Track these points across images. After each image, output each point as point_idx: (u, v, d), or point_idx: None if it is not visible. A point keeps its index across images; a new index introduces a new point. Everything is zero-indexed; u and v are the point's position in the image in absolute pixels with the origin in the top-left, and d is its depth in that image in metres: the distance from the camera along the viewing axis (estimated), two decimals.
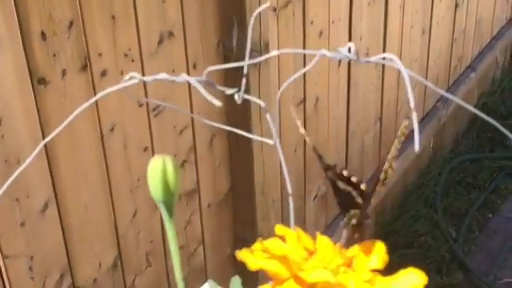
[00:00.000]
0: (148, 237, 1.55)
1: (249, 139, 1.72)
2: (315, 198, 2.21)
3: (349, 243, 0.48)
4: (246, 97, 0.48)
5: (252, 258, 0.43)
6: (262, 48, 1.64)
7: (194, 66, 1.56)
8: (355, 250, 0.45)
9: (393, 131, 2.62)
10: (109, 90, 0.47)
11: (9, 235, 1.20)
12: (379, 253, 0.45)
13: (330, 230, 2.31)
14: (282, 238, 0.46)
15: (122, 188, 1.44)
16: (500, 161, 3.14)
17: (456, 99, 0.48)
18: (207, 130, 1.66)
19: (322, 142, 2.17)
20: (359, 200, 0.48)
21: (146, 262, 1.55)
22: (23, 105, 1.17)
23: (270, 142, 0.50)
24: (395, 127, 2.63)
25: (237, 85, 0.49)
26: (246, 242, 1.85)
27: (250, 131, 1.71)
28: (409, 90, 0.39)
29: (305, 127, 2.05)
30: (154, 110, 1.47)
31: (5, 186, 0.53)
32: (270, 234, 1.63)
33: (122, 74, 1.36)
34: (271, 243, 0.45)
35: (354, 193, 0.49)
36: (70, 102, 1.24)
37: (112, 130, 1.37)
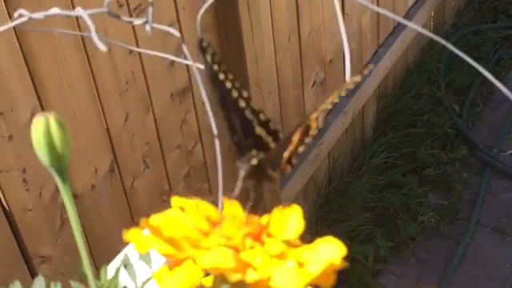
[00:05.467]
0: (143, 139, 1.54)
1: (239, 32, 1.69)
2: (313, 85, 2.19)
3: (244, 189, 0.43)
4: (156, 26, 0.45)
5: (140, 240, 0.36)
6: None
7: None
8: (268, 217, 0.39)
9: (391, 10, 2.56)
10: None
11: None
12: (294, 218, 0.38)
13: (331, 116, 2.30)
14: (182, 209, 0.39)
15: (110, 93, 1.42)
16: (503, 31, 3.08)
17: None
18: (195, 25, 1.62)
19: (317, 28, 2.12)
20: (272, 145, 0.44)
21: (144, 164, 1.56)
22: None
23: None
24: (393, 5, 2.57)
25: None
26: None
27: (239, 25, 1.67)
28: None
29: (298, 14, 2.00)
30: (135, 9, 1.43)
31: None
32: None
33: None
34: (170, 218, 0.38)
35: (269, 138, 0.45)
36: None
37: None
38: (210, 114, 0.47)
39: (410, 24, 0.39)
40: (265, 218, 0.38)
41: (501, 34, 3.06)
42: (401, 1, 2.61)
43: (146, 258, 0.45)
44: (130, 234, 0.36)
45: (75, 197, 1.38)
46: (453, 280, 2.19)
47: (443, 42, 0.39)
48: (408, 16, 2.68)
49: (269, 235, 0.37)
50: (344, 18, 2.25)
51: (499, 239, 2.29)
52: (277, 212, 0.38)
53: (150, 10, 0.43)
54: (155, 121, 1.56)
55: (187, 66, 1.64)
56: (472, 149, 2.58)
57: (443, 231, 2.33)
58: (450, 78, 2.83)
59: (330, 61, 2.24)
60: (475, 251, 2.26)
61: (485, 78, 2.96)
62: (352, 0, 2.26)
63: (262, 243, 0.37)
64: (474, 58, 2.66)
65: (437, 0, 2.86)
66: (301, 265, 0.35)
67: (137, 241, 0.36)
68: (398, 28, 2.61)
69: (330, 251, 0.36)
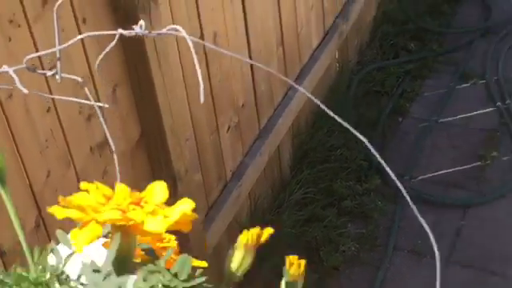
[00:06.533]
0: (66, 193, 1.59)
1: (151, 85, 1.77)
2: (228, 129, 2.28)
3: None
4: (65, 76, 0.53)
5: (58, 210, 0.53)
6: None
7: (84, 21, 1.58)
8: (144, 191, 0.56)
9: (296, 53, 2.69)
10: None
11: None
12: (161, 190, 0.56)
13: (248, 158, 2.39)
14: (87, 191, 0.56)
15: (30, 150, 1.47)
16: (405, 65, 3.27)
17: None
18: (108, 81, 1.70)
19: (227, 76, 2.22)
20: None
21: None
22: None
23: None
24: (298, 48, 2.70)
25: None
26: (165, 181, 1.87)
27: (150, 75, 1.75)
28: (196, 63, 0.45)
29: (207, 63, 2.10)
30: (50, 69, 1.50)
31: None
32: (187, 171, 1.68)
33: (9, 40, 1.38)
34: (78, 196, 0.55)
35: None
36: None
37: (10, 96, 1.40)
38: (111, 142, 0.56)
39: (300, 88, 0.49)
40: (143, 193, 0.56)
41: (403, 68, 3.26)
42: (305, 43, 2.75)
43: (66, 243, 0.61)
44: (52, 209, 0.53)
45: (3, 254, 1.41)
46: None
47: (322, 106, 0.49)
48: (313, 58, 2.82)
49: (145, 202, 0.55)
50: (252, 64, 2.36)
51: (416, 261, 2.41)
52: (149, 187, 0.57)
53: (58, 63, 0.53)
54: (77, 174, 1.62)
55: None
56: (384, 178, 2.72)
57: (363, 258, 2.44)
58: (359, 114, 2.98)
59: (243, 105, 2.34)
60: (394, 275, 2.38)
61: (391, 110, 3.09)
62: (259, 46, 2.38)
63: (142, 207, 0.55)
64: (379, 93, 2.82)
65: (340, 39, 3.01)
66: (166, 217, 0.54)
67: (57, 211, 0.53)
68: (304, 71, 2.74)
69: (184, 206, 0.54)
